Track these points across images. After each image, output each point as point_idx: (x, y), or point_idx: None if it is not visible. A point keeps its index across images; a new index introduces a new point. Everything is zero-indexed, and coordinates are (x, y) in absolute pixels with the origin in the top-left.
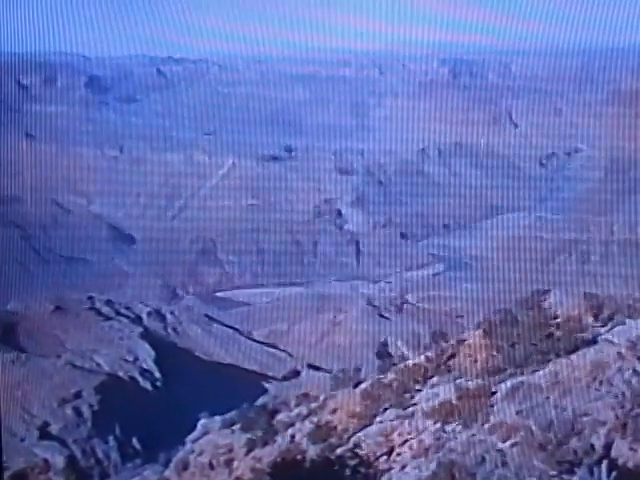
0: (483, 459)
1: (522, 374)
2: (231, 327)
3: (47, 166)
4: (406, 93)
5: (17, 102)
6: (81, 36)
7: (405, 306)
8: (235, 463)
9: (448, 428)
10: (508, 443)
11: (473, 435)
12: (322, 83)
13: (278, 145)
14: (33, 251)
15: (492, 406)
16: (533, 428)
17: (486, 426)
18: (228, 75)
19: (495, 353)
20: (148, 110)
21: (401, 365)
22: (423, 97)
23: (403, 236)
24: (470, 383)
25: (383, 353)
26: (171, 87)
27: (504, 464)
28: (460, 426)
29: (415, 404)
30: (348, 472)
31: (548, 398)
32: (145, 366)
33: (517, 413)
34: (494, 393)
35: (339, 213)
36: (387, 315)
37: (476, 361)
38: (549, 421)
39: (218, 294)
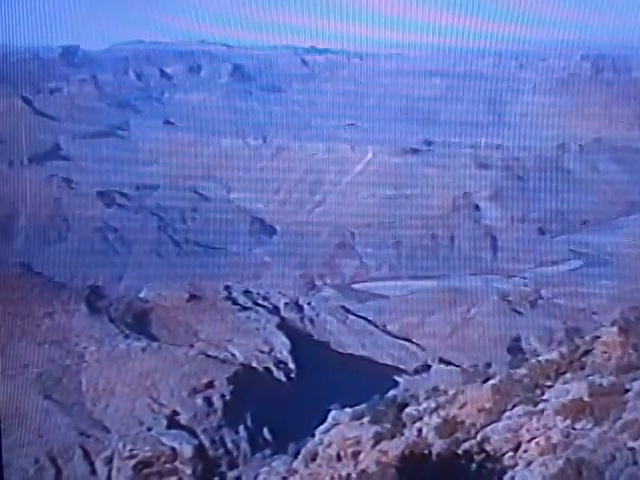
0: (613, 457)
1: None
2: (366, 319)
3: (187, 154)
4: (546, 87)
5: (158, 90)
6: (224, 26)
7: (539, 302)
8: (362, 455)
9: (578, 425)
10: None
11: (604, 433)
12: (460, 77)
13: (417, 138)
14: (170, 239)
15: (625, 404)
16: None
17: (618, 424)
18: (369, 66)
19: (630, 350)
20: (291, 100)
21: (533, 361)
22: (564, 91)
23: (540, 231)
24: (603, 380)
25: (515, 348)
26: (314, 77)
27: (635, 463)
28: (591, 423)
29: (545, 400)
30: (474, 467)
31: None
32: (280, 357)
33: None
34: (627, 391)
35: (476, 207)
36: (521, 310)
37: (610, 358)
38: None
39: (355, 286)
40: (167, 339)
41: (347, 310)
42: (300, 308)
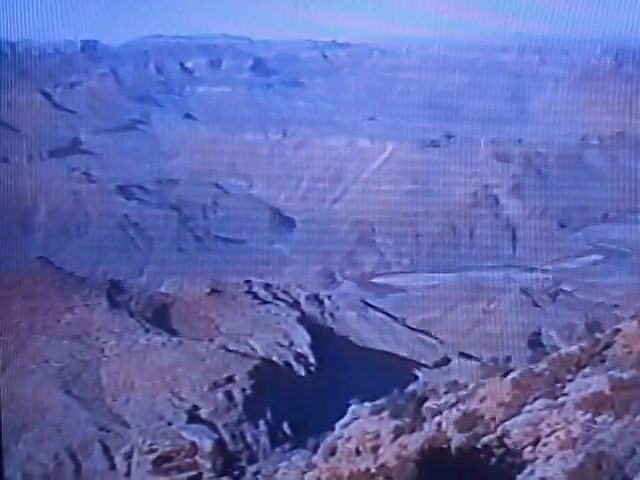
0: (633, 451)
1: None
2: (386, 313)
3: (208, 148)
4: (567, 81)
5: (179, 84)
6: (246, 20)
7: (560, 295)
8: (381, 449)
9: (598, 419)
10: None
11: (625, 427)
12: (481, 69)
13: (438, 131)
14: (190, 233)
15: None
16: None
17: (638, 418)
18: (390, 60)
19: None
20: (312, 94)
21: (553, 354)
22: (585, 85)
23: (560, 225)
24: (624, 374)
25: (535, 342)
26: (335, 71)
27: None
28: (611, 417)
29: (566, 394)
30: (493, 461)
31: None
32: (300, 351)
33: None
34: None
35: (496, 200)
36: (541, 304)
37: (631, 352)
38: None
39: (375, 280)
40: (187, 333)
41: (367, 304)
42: (320, 302)
